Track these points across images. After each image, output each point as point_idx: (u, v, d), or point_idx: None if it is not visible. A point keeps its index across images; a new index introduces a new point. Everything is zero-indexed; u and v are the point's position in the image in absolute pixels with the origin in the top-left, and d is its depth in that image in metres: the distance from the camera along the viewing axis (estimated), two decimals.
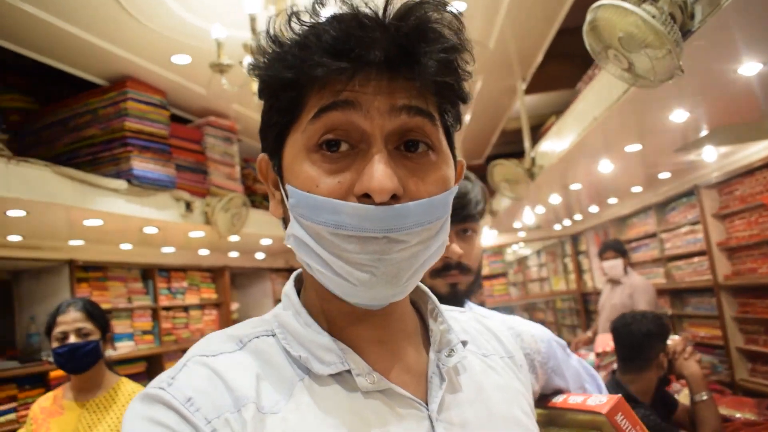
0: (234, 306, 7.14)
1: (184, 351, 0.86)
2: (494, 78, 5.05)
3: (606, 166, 4.39)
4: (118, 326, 5.34)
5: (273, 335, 0.71)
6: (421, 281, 1.15)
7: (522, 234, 8.72)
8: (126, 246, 5.39)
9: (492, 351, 0.85)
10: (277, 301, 4.53)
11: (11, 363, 4.39)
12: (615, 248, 5.15)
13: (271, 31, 0.69)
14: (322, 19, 0.66)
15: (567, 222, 7.97)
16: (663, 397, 2.67)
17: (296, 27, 0.67)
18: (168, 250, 5.90)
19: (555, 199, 5.87)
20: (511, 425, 0.76)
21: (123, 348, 5.25)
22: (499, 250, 8.86)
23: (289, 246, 0.70)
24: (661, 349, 2.56)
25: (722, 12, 1.99)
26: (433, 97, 0.67)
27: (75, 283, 5.00)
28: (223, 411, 0.62)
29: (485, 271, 8.64)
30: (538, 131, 5.62)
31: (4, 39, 3.45)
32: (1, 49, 3.53)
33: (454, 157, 0.74)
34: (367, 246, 0.62)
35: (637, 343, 2.58)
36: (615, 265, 5.08)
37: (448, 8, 0.66)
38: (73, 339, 2.28)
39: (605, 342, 3.66)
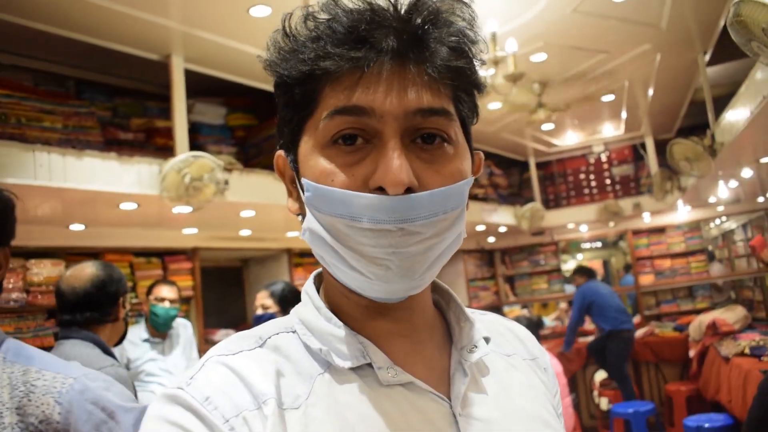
0: None
1: None
2: (673, 54, 4.99)
3: None
4: None
5: (293, 332, 0.71)
6: None
7: (720, 208, 8.24)
8: None
9: (513, 351, 0.83)
10: (470, 281, 5.18)
11: None
12: None
13: (287, 27, 0.68)
14: (335, 11, 0.65)
15: None
16: None
17: (311, 23, 0.66)
18: None
19: (747, 172, 5.60)
20: (537, 423, 0.74)
21: None
22: (696, 226, 8.42)
23: (304, 240, 0.70)
24: None
25: None
26: (447, 86, 0.66)
27: (293, 267, 5.85)
28: (242, 409, 0.61)
29: (680, 248, 8.29)
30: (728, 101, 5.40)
31: (231, 73, 4.27)
32: (230, 81, 4.38)
33: (471, 149, 0.73)
34: (381, 239, 0.61)
35: None
36: None
37: None
38: (259, 312, 3.19)
39: None
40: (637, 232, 8.39)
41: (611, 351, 6.19)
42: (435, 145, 0.65)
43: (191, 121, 4.70)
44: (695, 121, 7.21)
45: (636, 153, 8.14)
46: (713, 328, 6.09)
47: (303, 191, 0.67)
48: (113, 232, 4.49)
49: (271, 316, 3.11)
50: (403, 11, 0.63)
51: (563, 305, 8.34)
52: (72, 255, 4.29)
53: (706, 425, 4.61)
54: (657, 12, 4.17)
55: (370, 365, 0.67)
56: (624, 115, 6.96)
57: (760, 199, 7.80)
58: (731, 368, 4.85)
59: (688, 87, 6.00)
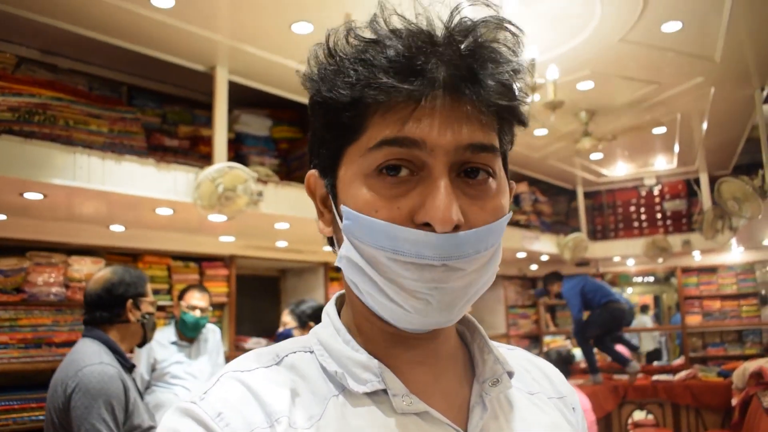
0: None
1: None
2: (728, 88, 4.84)
3: None
4: None
5: (310, 352, 0.71)
6: None
7: None
8: None
9: (539, 390, 0.80)
10: (509, 307, 5.17)
11: None
12: None
13: (331, 45, 0.66)
14: (382, 32, 0.64)
15: None
16: None
17: (354, 41, 0.65)
18: None
19: None
20: None
21: None
22: (749, 268, 8.07)
23: (339, 266, 0.69)
24: None
25: None
26: (493, 121, 0.65)
27: (328, 281, 5.88)
28: (254, 427, 0.61)
29: (732, 290, 7.95)
30: None
31: (274, 86, 4.37)
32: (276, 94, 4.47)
33: (507, 179, 0.72)
34: (424, 274, 0.61)
35: None
36: None
37: (508, 27, 0.65)
38: (281, 329, 3.58)
39: None
40: (686, 270, 8.11)
41: (604, 320, 6.48)
42: (479, 179, 0.64)
43: (236, 131, 4.81)
44: (753, 159, 6.94)
45: (690, 188, 7.89)
46: (758, 376, 5.81)
47: (341, 218, 0.66)
48: (152, 234, 4.61)
49: (288, 332, 3.23)
50: (455, 39, 0.62)
51: None
52: (112, 254, 4.43)
53: None
54: (710, 44, 4.05)
55: (385, 391, 0.66)
56: (677, 148, 6.77)
57: None
58: None
59: (744, 123, 5.79)
